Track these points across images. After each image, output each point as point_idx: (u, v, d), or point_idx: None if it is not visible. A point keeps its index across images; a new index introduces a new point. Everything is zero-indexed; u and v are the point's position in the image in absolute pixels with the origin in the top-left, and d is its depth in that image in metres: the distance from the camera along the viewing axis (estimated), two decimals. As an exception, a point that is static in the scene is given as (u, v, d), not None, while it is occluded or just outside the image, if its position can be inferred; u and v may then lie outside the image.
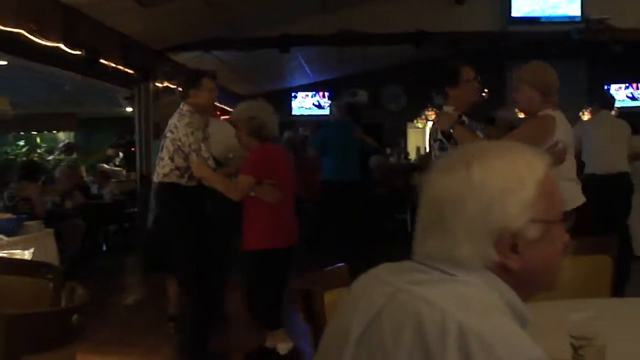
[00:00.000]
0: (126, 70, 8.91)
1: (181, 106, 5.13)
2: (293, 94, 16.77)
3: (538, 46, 12.88)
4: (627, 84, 16.29)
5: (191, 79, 5.23)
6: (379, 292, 1.45)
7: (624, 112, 13.78)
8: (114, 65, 8.53)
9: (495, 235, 1.39)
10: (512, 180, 1.41)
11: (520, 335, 1.29)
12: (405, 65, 15.26)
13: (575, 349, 1.84)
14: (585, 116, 11.20)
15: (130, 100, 11.01)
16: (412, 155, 15.00)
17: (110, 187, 11.52)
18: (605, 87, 15.45)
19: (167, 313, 6.26)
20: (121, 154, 14.30)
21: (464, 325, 1.27)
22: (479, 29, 11.02)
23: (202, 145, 4.93)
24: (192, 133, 4.92)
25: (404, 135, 17.02)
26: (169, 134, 5.05)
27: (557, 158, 4.18)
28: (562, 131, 4.36)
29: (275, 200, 4.98)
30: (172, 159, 5.01)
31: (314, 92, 16.89)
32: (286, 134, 11.21)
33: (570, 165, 4.42)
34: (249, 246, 5.08)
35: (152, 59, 9.93)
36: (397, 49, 12.45)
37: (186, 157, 4.95)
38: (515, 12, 10.93)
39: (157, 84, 10.01)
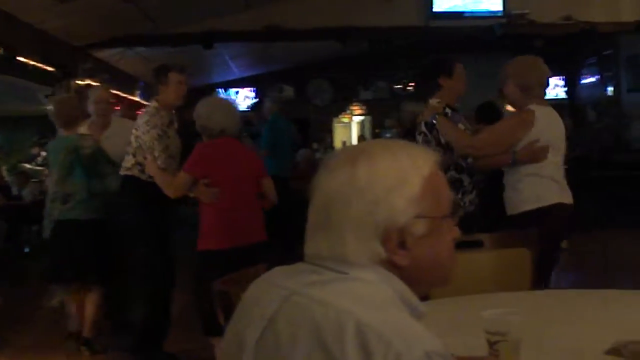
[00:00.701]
0: (46, 67, 8.70)
1: (150, 102, 5.22)
2: (217, 90, 16.60)
3: (462, 41, 13.13)
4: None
5: (158, 74, 5.20)
6: (272, 296, 1.43)
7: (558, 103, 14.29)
8: (32, 62, 8.33)
9: (381, 232, 1.39)
10: (397, 177, 1.41)
11: (418, 328, 1.29)
12: (331, 59, 15.31)
13: (491, 344, 1.85)
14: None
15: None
16: (339, 150, 15.08)
17: (30, 187, 11.24)
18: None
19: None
20: (43, 153, 13.96)
21: (360, 322, 1.26)
22: (403, 24, 11.11)
23: (156, 142, 4.98)
24: (148, 131, 5.01)
25: (330, 131, 17.11)
26: (134, 131, 5.15)
27: (534, 156, 4.21)
28: (546, 127, 4.26)
29: (212, 200, 4.77)
30: (134, 154, 5.14)
31: (241, 88, 16.80)
32: None
33: (553, 164, 4.29)
34: (198, 246, 4.87)
35: (72, 56, 9.71)
36: (322, 43, 12.48)
37: (145, 155, 5.05)
38: (437, 7, 11.04)
39: (78, 82, 9.79)
